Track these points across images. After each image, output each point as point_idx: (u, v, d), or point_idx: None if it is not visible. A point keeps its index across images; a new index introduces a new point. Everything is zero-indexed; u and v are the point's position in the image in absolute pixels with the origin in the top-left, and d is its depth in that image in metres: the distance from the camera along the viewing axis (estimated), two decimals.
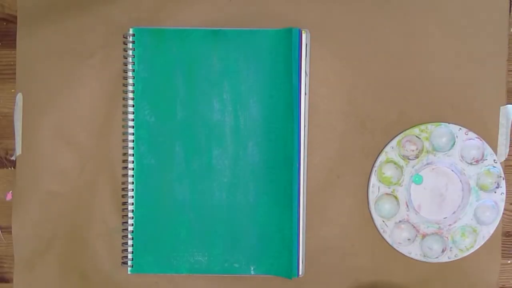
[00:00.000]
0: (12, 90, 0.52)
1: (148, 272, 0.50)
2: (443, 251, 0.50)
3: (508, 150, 0.51)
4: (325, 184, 0.51)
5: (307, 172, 0.51)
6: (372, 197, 0.50)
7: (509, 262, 0.52)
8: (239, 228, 0.50)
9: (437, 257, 0.50)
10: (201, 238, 0.50)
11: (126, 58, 0.50)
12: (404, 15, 0.51)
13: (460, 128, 0.50)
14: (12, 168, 0.52)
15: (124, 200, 0.51)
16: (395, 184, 0.50)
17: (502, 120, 0.51)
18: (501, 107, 0.51)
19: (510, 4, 0.51)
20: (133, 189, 0.50)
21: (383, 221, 0.50)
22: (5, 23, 0.52)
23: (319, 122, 0.51)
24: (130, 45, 0.50)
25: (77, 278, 0.51)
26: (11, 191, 0.52)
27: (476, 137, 0.50)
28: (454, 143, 0.50)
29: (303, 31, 0.49)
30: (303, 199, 0.50)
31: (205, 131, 0.50)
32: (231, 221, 0.50)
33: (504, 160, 0.51)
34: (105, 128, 0.51)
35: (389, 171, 0.50)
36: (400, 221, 0.50)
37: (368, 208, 0.51)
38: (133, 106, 0.50)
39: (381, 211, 0.50)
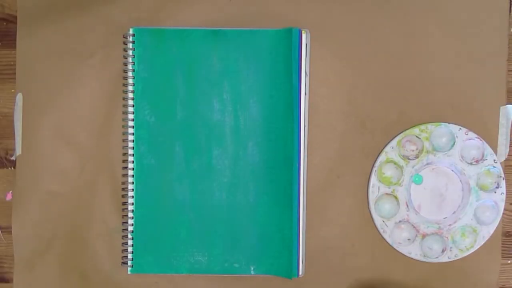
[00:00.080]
0: (12, 90, 0.52)
1: (148, 272, 0.50)
2: (443, 251, 0.50)
3: (508, 150, 0.51)
4: (325, 184, 0.51)
5: (307, 172, 0.51)
6: (372, 197, 0.50)
7: (509, 262, 0.52)
8: (239, 228, 0.50)
9: (437, 257, 0.50)
10: (201, 238, 0.50)
11: (126, 58, 0.50)
12: (404, 15, 0.51)
13: (460, 128, 0.50)
14: (12, 168, 0.52)
15: (124, 200, 0.51)
16: (395, 184, 0.50)
17: (502, 120, 0.51)
18: (501, 107, 0.51)
19: (510, 4, 0.51)
20: (133, 189, 0.50)
21: (383, 221, 0.50)
22: (5, 23, 0.52)
23: (319, 122, 0.51)
24: (130, 45, 0.50)
25: (77, 278, 0.51)
26: (11, 191, 0.52)
27: (476, 137, 0.50)
28: (454, 143, 0.50)
29: (303, 31, 0.49)
30: (303, 199, 0.50)
31: (205, 131, 0.50)
32: (231, 221, 0.50)
33: (504, 160, 0.51)
34: (105, 128, 0.51)
35: (389, 171, 0.50)
36: (400, 221, 0.50)
37: (368, 208, 0.51)
38: (133, 106, 0.50)
39: (381, 211, 0.50)
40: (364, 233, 0.51)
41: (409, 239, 0.50)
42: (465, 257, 0.50)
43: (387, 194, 0.50)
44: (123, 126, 0.51)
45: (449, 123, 0.50)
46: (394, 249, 0.50)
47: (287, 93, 0.49)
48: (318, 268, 0.51)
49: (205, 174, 0.50)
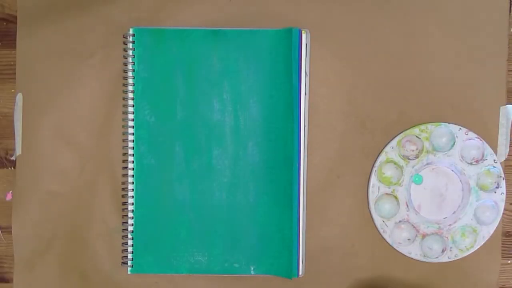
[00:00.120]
0: (12, 90, 0.52)
1: (148, 272, 0.50)
2: (443, 251, 0.50)
3: (508, 150, 0.51)
4: (325, 184, 0.51)
5: (307, 172, 0.51)
6: (372, 197, 0.50)
7: (509, 262, 0.52)
8: (239, 228, 0.50)
9: (437, 257, 0.50)
10: (201, 238, 0.50)
11: (126, 58, 0.50)
12: (404, 15, 0.51)
13: (460, 128, 0.50)
14: (12, 168, 0.52)
15: (124, 200, 0.51)
16: (395, 184, 0.50)
17: (502, 120, 0.51)
18: (501, 107, 0.51)
19: (510, 4, 0.51)
20: (133, 189, 0.50)
21: (383, 221, 0.50)
22: (5, 23, 0.52)
23: (319, 122, 0.51)
24: (130, 45, 0.50)
25: (77, 278, 0.51)
26: (11, 191, 0.52)
27: (476, 137, 0.50)
28: (454, 143, 0.50)
29: (303, 31, 0.49)
30: (303, 199, 0.50)
31: (205, 131, 0.50)
32: (231, 221, 0.50)
33: (504, 160, 0.51)
34: (105, 128, 0.51)
35: (389, 171, 0.50)
36: (400, 221, 0.50)
37: (368, 208, 0.51)
38: (133, 106, 0.50)
39: (381, 211, 0.50)
40: (364, 233, 0.51)
41: (409, 239, 0.50)
42: (465, 257, 0.50)
43: (387, 194, 0.50)
44: (123, 126, 0.51)
45: (449, 123, 0.50)
46: (394, 249, 0.50)
47: (287, 93, 0.49)
48: (318, 268, 0.51)
49: (205, 174, 0.50)
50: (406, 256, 0.50)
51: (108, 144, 0.51)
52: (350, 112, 0.51)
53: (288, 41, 0.49)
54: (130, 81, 0.50)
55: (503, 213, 0.50)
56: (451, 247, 0.50)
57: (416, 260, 0.50)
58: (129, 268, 0.50)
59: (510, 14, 0.51)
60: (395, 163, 0.50)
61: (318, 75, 0.51)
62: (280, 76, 0.49)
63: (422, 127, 0.50)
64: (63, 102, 0.51)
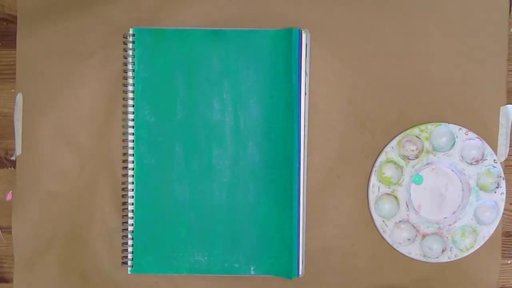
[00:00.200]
0: (12, 90, 0.52)
1: (148, 272, 0.50)
2: (443, 251, 0.50)
3: (508, 150, 0.51)
4: (325, 184, 0.51)
5: (307, 172, 0.51)
6: (372, 197, 0.50)
7: (509, 262, 0.52)
8: (239, 228, 0.50)
9: (437, 257, 0.50)
10: (201, 238, 0.50)
11: (126, 58, 0.50)
12: (404, 15, 0.51)
13: (460, 128, 0.50)
14: (12, 168, 0.52)
15: (124, 200, 0.51)
16: (395, 184, 0.50)
17: (502, 120, 0.51)
18: (501, 107, 0.51)
19: (510, 4, 0.51)
20: (133, 189, 0.50)
21: (383, 221, 0.50)
22: (5, 23, 0.52)
23: (319, 122, 0.51)
24: (130, 45, 0.50)
25: (77, 278, 0.51)
26: (11, 191, 0.52)
27: (476, 137, 0.50)
28: (454, 143, 0.50)
29: (303, 31, 0.49)
30: (303, 199, 0.50)
31: (205, 131, 0.50)
32: (231, 221, 0.50)
33: (504, 160, 0.51)
34: (105, 128, 0.51)
35: (389, 171, 0.50)
36: (400, 221, 0.50)
37: (368, 208, 0.51)
38: (133, 106, 0.50)
39: (381, 211, 0.50)
40: (364, 233, 0.51)
41: (409, 239, 0.50)
42: (465, 257, 0.50)
43: (387, 194, 0.50)
44: (123, 126, 0.51)
45: (449, 123, 0.50)
46: (394, 249, 0.50)
47: (287, 93, 0.49)
48: (318, 268, 0.51)
49: (205, 174, 0.50)
50: (406, 256, 0.50)
51: (108, 144, 0.51)
52: (350, 112, 0.51)
53: (288, 41, 0.49)
54: (130, 81, 0.50)
55: (503, 213, 0.50)
56: (451, 247, 0.50)
57: (416, 260, 0.50)
58: (129, 268, 0.50)
59: (510, 14, 0.51)
60: (395, 163, 0.50)
61: (318, 75, 0.51)
62: (280, 76, 0.49)
63: (422, 127, 0.50)
64: (63, 102, 0.51)
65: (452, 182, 0.50)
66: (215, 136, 0.50)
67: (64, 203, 0.51)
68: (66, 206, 0.51)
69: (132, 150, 0.50)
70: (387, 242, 0.50)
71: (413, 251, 0.50)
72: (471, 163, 0.50)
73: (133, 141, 0.50)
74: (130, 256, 0.50)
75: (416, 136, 0.50)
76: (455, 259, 0.50)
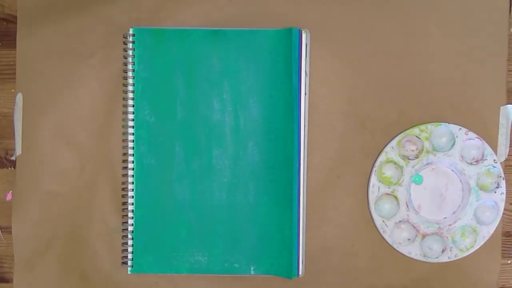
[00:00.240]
0: (12, 90, 0.52)
1: (148, 272, 0.50)
2: (443, 251, 0.50)
3: (508, 150, 0.51)
4: (325, 184, 0.51)
5: (307, 172, 0.51)
6: (372, 197, 0.50)
7: (509, 262, 0.52)
8: (239, 228, 0.50)
9: (437, 257, 0.50)
10: (201, 238, 0.50)
11: (126, 58, 0.50)
12: (404, 15, 0.51)
13: (460, 128, 0.50)
14: (12, 168, 0.52)
15: (124, 200, 0.51)
16: (395, 184, 0.50)
17: (502, 120, 0.51)
18: (501, 107, 0.51)
19: (510, 4, 0.51)
20: (133, 189, 0.50)
21: (383, 221, 0.50)
22: (5, 23, 0.52)
23: (319, 122, 0.51)
24: (130, 45, 0.50)
25: (77, 278, 0.51)
26: (11, 191, 0.52)
27: (476, 137, 0.50)
28: (454, 143, 0.50)
29: (303, 31, 0.49)
30: (303, 199, 0.50)
31: (205, 131, 0.50)
32: (231, 221, 0.50)
33: (504, 160, 0.51)
34: (105, 128, 0.51)
35: (389, 171, 0.50)
36: (400, 221, 0.50)
37: (368, 208, 0.51)
38: (133, 106, 0.50)
39: (381, 211, 0.50)
40: (364, 233, 0.51)
41: (409, 239, 0.50)
42: (465, 257, 0.50)
43: (387, 194, 0.50)
44: (123, 126, 0.51)
45: (449, 123, 0.50)
46: (394, 249, 0.50)
47: (287, 93, 0.49)
48: (318, 268, 0.51)
49: (205, 174, 0.50)
50: (406, 256, 0.50)
51: (108, 144, 0.51)
52: (350, 112, 0.51)
53: (288, 41, 0.49)
54: (130, 81, 0.50)
55: (503, 213, 0.50)
56: (451, 247, 0.50)
57: (416, 260, 0.50)
58: (129, 268, 0.50)
59: (510, 14, 0.51)
60: (395, 163, 0.50)
61: (318, 75, 0.51)
62: (280, 76, 0.49)
63: (422, 127, 0.50)
64: (63, 102, 0.51)
65: (452, 182, 0.50)
66: (215, 136, 0.50)
67: (64, 203, 0.51)
68: (66, 206, 0.51)
69: (132, 150, 0.50)
70: (387, 242, 0.50)
71: (413, 251, 0.50)
72: (471, 163, 0.50)
73: (133, 141, 0.50)
74: (130, 256, 0.50)
75: (416, 136, 0.50)
76: (455, 259, 0.50)
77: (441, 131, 0.49)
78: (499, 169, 0.50)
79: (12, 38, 0.51)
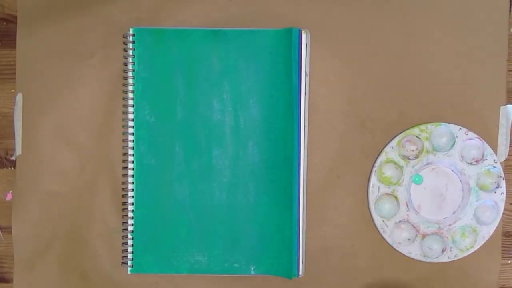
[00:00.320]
0: (12, 90, 0.52)
1: (148, 272, 0.50)
2: (443, 251, 0.50)
3: (508, 150, 0.51)
4: (325, 184, 0.51)
5: (307, 172, 0.51)
6: (372, 197, 0.50)
7: (509, 262, 0.52)
8: (239, 228, 0.50)
9: (437, 257, 0.50)
10: (201, 238, 0.50)
11: (126, 58, 0.50)
12: (404, 15, 0.51)
13: (460, 128, 0.50)
14: (12, 168, 0.52)
15: (124, 200, 0.51)
16: (395, 184, 0.50)
17: (502, 120, 0.51)
18: (501, 107, 0.51)
19: (510, 4, 0.51)
20: (133, 189, 0.50)
21: (383, 221, 0.50)
22: (5, 23, 0.52)
23: (319, 122, 0.51)
24: (130, 45, 0.50)
25: (77, 278, 0.51)
26: (11, 191, 0.52)
27: (476, 137, 0.50)
28: (454, 143, 0.50)
29: (303, 31, 0.49)
30: (303, 199, 0.50)
31: (205, 131, 0.50)
32: (231, 221, 0.50)
33: (504, 160, 0.51)
34: (105, 128, 0.51)
35: (389, 171, 0.50)
36: (400, 221, 0.50)
37: (368, 208, 0.51)
38: (133, 106, 0.50)
39: (381, 211, 0.50)
40: (364, 233, 0.51)
41: (409, 239, 0.50)
42: (465, 257, 0.50)
43: (387, 194, 0.50)
44: (123, 126, 0.51)
45: (449, 123, 0.50)
46: (394, 249, 0.50)
47: (287, 93, 0.49)
48: (318, 268, 0.51)
49: (205, 174, 0.50)
50: (406, 256, 0.50)
51: (108, 144, 0.51)
52: (350, 112, 0.51)
53: (288, 41, 0.49)
54: (130, 81, 0.50)
55: (503, 213, 0.50)
56: (451, 247, 0.50)
57: (416, 260, 0.50)
58: (129, 268, 0.50)
59: (510, 14, 0.51)
60: (395, 163, 0.50)
61: (318, 75, 0.51)
62: (280, 76, 0.49)
63: (422, 127, 0.50)
64: (63, 102, 0.51)
65: (452, 182, 0.50)
66: (215, 136, 0.50)
67: (64, 203, 0.51)
68: (66, 206, 0.51)
69: (132, 150, 0.50)
70: (387, 242, 0.50)
71: (413, 251, 0.50)
72: (471, 163, 0.50)
73: (133, 141, 0.50)
74: (130, 256, 0.50)
75: (416, 136, 0.50)
76: (455, 259, 0.50)
77: (441, 131, 0.49)
78: (499, 169, 0.50)
79: (12, 38, 0.51)
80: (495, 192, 0.50)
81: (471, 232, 0.50)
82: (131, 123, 0.50)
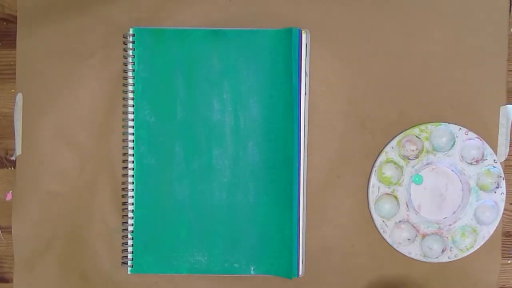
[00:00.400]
0: (12, 90, 0.52)
1: (148, 272, 0.50)
2: (443, 251, 0.50)
3: (508, 150, 0.51)
4: (325, 184, 0.51)
5: (307, 172, 0.51)
6: (372, 197, 0.50)
7: (509, 262, 0.52)
8: (239, 228, 0.50)
9: (437, 257, 0.50)
10: (201, 238, 0.50)
11: (126, 58, 0.50)
12: (404, 15, 0.51)
13: (460, 128, 0.50)
14: (12, 168, 0.52)
15: (124, 200, 0.51)
16: (395, 184, 0.50)
17: (502, 120, 0.51)
18: (501, 107, 0.51)
19: (510, 4, 0.51)
20: (133, 189, 0.50)
21: (383, 221, 0.50)
22: (5, 23, 0.52)
23: (319, 122, 0.51)
24: (130, 45, 0.50)
25: (77, 278, 0.51)
26: (11, 191, 0.52)
27: (476, 137, 0.50)
28: (454, 143, 0.50)
29: (303, 31, 0.49)
30: (303, 199, 0.50)
31: (205, 131, 0.50)
32: (231, 221, 0.50)
33: (504, 160, 0.51)
34: (105, 128, 0.51)
35: (389, 171, 0.50)
36: (400, 221, 0.50)
37: (368, 208, 0.51)
38: (133, 106, 0.50)
39: (381, 211, 0.50)
40: (364, 233, 0.51)
41: (409, 239, 0.50)
42: (465, 257, 0.50)
43: (387, 194, 0.50)
44: (123, 126, 0.51)
45: (449, 123, 0.50)
46: (394, 249, 0.50)
47: (287, 93, 0.49)
48: (318, 268, 0.51)
49: (205, 174, 0.50)
50: (406, 256, 0.50)
51: (108, 144, 0.51)
52: (350, 112, 0.51)
53: (288, 41, 0.49)
54: (130, 81, 0.50)
55: (503, 213, 0.50)
56: (451, 247, 0.50)
57: (416, 260, 0.50)
58: (129, 268, 0.50)
59: (510, 14, 0.51)
60: (395, 163, 0.50)
61: (318, 75, 0.51)
62: (280, 76, 0.49)
63: (422, 127, 0.50)
64: (63, 102, 0.51)
65: (452, 182, 0.50)
66: (215, 136, 0.50)
67: (64, 203, 0.51)
68: (66, 206, 0.51)
69: (132, 150, 0.50)
70: (387, 242, 0.50)
71: (413, 251, 0.50)
72: (471, 163, 0.50)
73: (133, 141, 0.50)
74: (130, 256, 0.50)
75: (416, 136, 0.50)
76: (455, 259, 0.50)
77: (441, 131, 0.49)
78: (499, 169, 0.50)
79: (12, 38, 0.51)
80: (495, 192, 0.50)
81: (471, 232, 0.50)
82: (131, 123, 0.50)
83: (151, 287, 0.51)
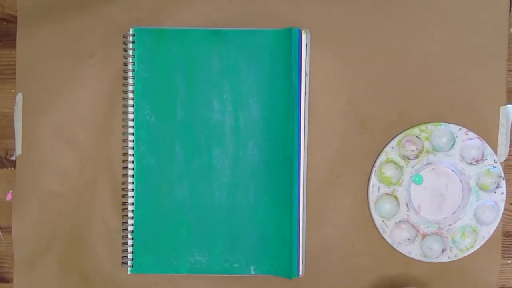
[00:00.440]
0: (12, 90, 0.52)
1: (148, 272, 0.50)
2: (443, 251, 0.50)
3: (508, 150, 0.51)
4: (325, 184, 0.51)
5: (307, 172, 0.51)
6: (372, 197, 0.50)
7: (509, 262, 0.52)
8: (239, 228, 0.50)
9: (437, 257, 0.50)
10: (201, 238, 0.50)
11: (126, 58, 0.50)
12: (404, 15, 0.51)
13: (460, 128, 0.50)
14: (12, 168, 0.52)
15: (124, 200, 0.51)
16: (395, 184, 0.50)
17: (502, 120, 0.51)
18: (501, 107, 0.51)
19: (510, 4, 0.51)
20: (133, 189, 0.50)
21: (383, 221, 0.50)
22: (5, 23, 0.52)
23: (319, 122, 0.51)
24: (130, 45, 0.50)
25: (77, 278, 0.51)
26: (11, 191, 0.52)
27: (476, 137, 0.50)
28: (454, 143, 0.50)
29: (303, 31, 0.49)
30: (303, 199, 0.50)
31: (205, 131, 0.50)
32: (231, 221, 0.50)
33: (504, 160, 0.51)
34: (105, 128, 0.51)
35: (389, 171, 0.50)
36: (400, 221, 0.50)
37: (368, 208, 0.51)
38: (133, 106, 0.50)
39: (381, 211, 0.50)
40: (364, 233, 0.51)
41: (409, 239, 0.50)
42: (465, 257, 0.50)
43: (387, 194, 0.50)
44: (123, 126, 0.51)
45: (449, 123, 0.50)
46: (394, 249, 0.50)
47: (287, 93, 0.49)
48: (318, 268, 0.51)
49: (205, 174, 0.50)
50: (406, 256, 0.50)
51: (108, 144, 0.51)
52: (350, 112, 0.51)
53: (288, 41, 0.49)
54: (130, 81, 0.50)
55: (503, 213, 0.50)
56: (451, 247, 0.50)
57: (416, 260, 0.50)
58: (129, 268, 0.50)
59: (510, 14, 0.51)
60: (395, 163, 0.50)
61: (318, 75, 0.51)
62: (280, 76, 0.49)
63: (422, 127, 0.50)
64: (63, 102, 0.51)
65: (452, 182, 0.50)
66: (215, 136, 0.50)
67: (64, 203, 0.51)
68: (66, 206, 0.51)
69: (132, 150, 0.50)
70: (387, 242, 0.50)
71: (413, 251, 0.50)
72: (471, 163, 0.50)
73: (133, 141, 0.50)
74: (130, 256, 0.50)
75: (416, 136, 0.50)
76: (455, 259, 0.50)
77: (441, 131, 0.49)
78: (499, 169, 0.50)
79: (12, 38, 0.51)
80: (495, 192, 0.50)
81: (471, 232, 0.50)
82: (131, 123, 0.50)
83: (151, 287, 0.51)
